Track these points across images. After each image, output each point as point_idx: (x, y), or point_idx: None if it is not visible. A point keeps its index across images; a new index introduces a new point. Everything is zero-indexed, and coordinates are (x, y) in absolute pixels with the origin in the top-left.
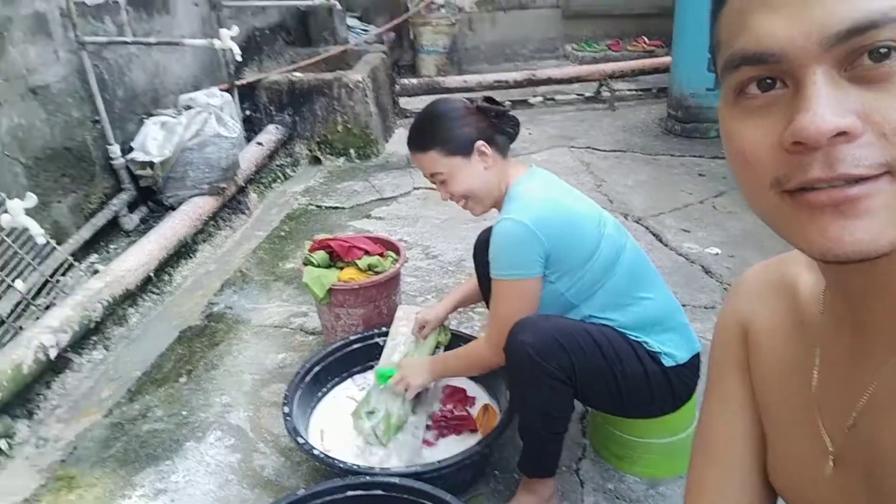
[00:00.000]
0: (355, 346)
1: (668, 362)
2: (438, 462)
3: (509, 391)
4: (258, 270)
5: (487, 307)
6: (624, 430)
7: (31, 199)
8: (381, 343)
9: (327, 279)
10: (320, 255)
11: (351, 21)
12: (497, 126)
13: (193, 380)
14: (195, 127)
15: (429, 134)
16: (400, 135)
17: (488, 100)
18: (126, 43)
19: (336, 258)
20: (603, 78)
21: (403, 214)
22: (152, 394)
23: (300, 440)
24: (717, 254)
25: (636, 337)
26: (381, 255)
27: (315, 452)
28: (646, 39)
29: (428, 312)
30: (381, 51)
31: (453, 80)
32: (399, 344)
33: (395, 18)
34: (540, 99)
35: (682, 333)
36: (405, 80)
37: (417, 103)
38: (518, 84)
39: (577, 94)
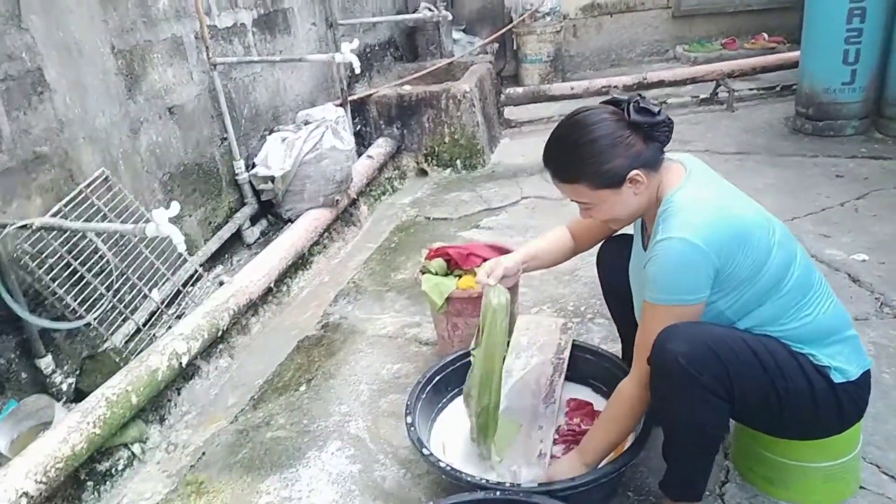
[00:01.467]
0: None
1: (837, 378)
2: (572, 479)
3: (654, 403)
4: (371, 281)
5: (618, 326)
6: (777, 452)
7: (175, 208)
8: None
9: (445, 287)
10: (438, 263)
11: (456, 34)
12: (651, 136)
13: (312, 388)
14: (313, 141)
15: (575, 165)
16: (505, 145)
17: (640, 109)
18: (253, 62)
19: (453, 266)
20: (720, 77)
21: (512, 224)
22: (274, 402)
23: (426, 451)
24: (864, 260)
25: (801, 349)
26: None
27: (442, 465)
28: (765, 36)
29: (501, 265)
30: (488, 61)
31: (559, 88)
32: (521, 352)
33: (498, 29)
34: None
35: (852, 347)
36: (510, 90)
37: (522, 113)
38: (628, 88)
39: (692, 97)
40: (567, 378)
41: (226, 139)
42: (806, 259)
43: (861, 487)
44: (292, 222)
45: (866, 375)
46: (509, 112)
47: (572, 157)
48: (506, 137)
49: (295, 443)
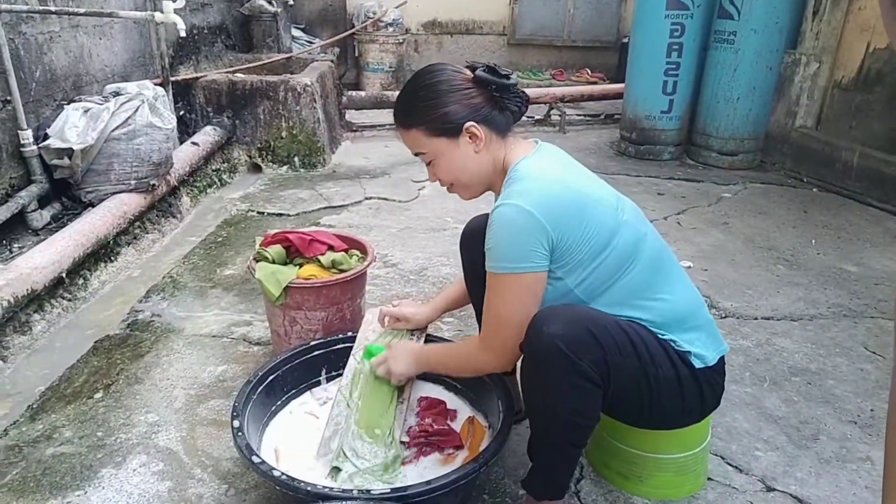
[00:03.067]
0: (316, 352)
1: (697, 364)
2: (428, 482)
3: (526, 393)
4: (192, 277)
5: (476, 309)
6: (632, 444)
7: None
8: (346, 351)
9: (284, 276)
10: (276, 250)
11: (296, 32)
12: (498, 101)
13: (112, 396)
14: (124, 114)
15: (413, 108)
16: (347, 147)
17: (488, 69)
18: (49, 13)
19: (294, 254)
20: (553, 101)
21: (356, 223)
22: (59, 412)
23: (256, 459)
24: (689, 267)
25: (663, 335)
26: (345, 251)
27: (276, 474)
28: (588, 71)
29: (408, 307)
30: (329, 60)
31: None
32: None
33: (339, 33)
34: None
35: (709, 332)
36: (353, 93)
37: (364, 118)
38: None
39: (527, 117)
40: (419, 377)
41: (9, 102)
42: (657, 240)
43: (709, 479)
44: (94, 206)
45: (722, 361)
46: (351, 116)
47: (412, 101)
48: (347, 140)
49: (85, 459)
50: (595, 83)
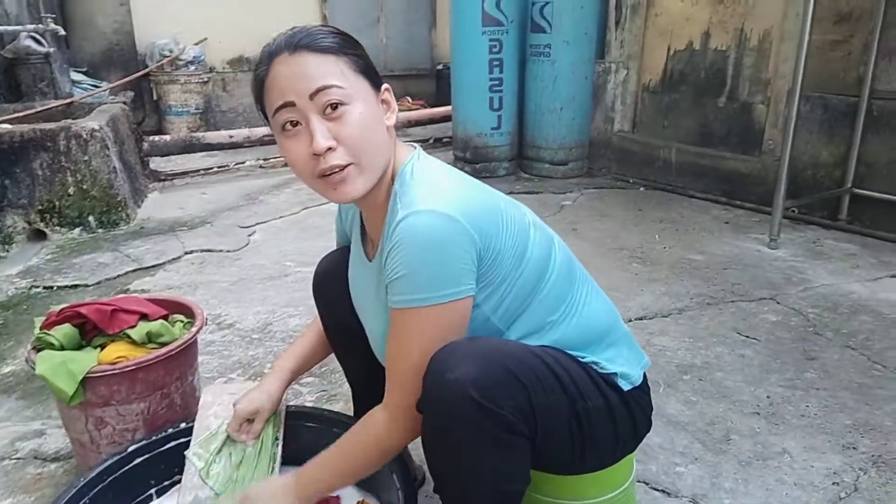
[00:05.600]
0: (138, 458)
1: (624, 386)
2: None
3: (431, 463)
4: None
5: (349, 371)
6: (555, 493)
7: None
8: (180, 451)
9: (79, 365)
10: (64, 332)
11: (76, 76)
12: None
13: None
14: None
15: (344, 37)
16: (155, 199)
17: None
18: None
19: (92, 333)
20: None
21: (176, 283)
22: None
23: None
24: None
25: (583, 358)
26: (165, 318)
27: None
28: (409, 99)
29: (251, 399)
30: (122, 101)
31: (216, 136)
32: (214, 438)
33: (130, 74)
34: None
35: (629, 345)
36: (156, 137)
37: (174, 165)
38: None
39: None
40: (287, 461)
41: None
42: (562, 243)
43: None
44: None
45: (645, 377)
46: (157, 165)
47: (337, 32)
48: (155, 192)
49: None
50: (416, 110)
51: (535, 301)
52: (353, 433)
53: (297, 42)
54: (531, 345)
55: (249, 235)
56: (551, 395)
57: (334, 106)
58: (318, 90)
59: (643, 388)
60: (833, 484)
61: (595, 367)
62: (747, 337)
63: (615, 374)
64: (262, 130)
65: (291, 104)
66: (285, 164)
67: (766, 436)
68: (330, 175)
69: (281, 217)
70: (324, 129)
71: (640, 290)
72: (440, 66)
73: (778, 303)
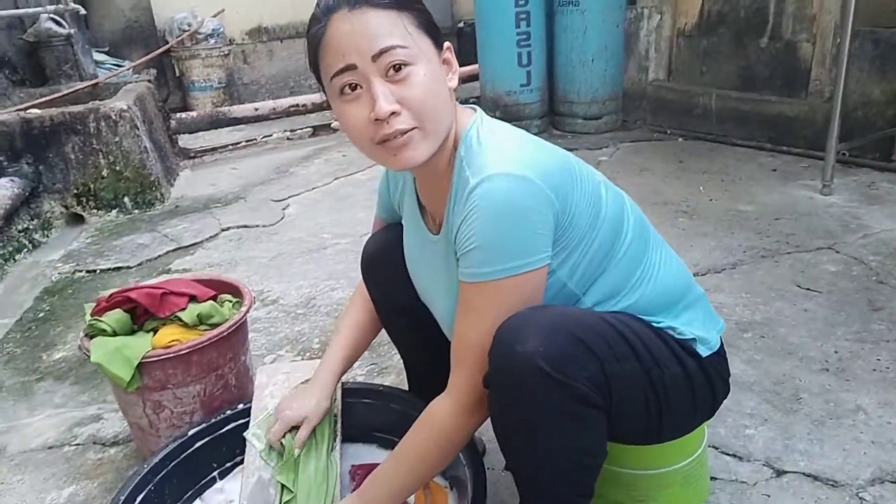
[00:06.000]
0: (199, 442)
1: (703, 351)
2: None
3: (502, 442)
4: (9, 371)
5: (406, 353)
6: (627, 463)
7: None
8: (239, 433)
9: (133, 350)
10: (115, 317)
11: (99, 56)
12: None
13: None
14: None
15: None
16: (187, 177)
17: None
18: None
19: (143, 317)
20: None
21: (216, 261)
22: None
23: None
24: None
25: (658, 323)
26: (213, 299)
27: None
28: None
29: (299, 405)
30: (147, 79)
31: (242, 110)
32: (272, 418)
33: (152, 52)
34: None
35: (704, 308)
36: (183, 114)
37: (202, 142)
38: (318, 107)
39: None
40: (345, 438)
41: None
42: (633, 202)
43: (712, 479)
44: None
45: (722, 340)
46: (185, 142)
47: None
48: (185, 169)
49: None
50: None
51: (611, 264)
52: (414, 434)
53: None
54: (603, 312)
55: (284, 209)
56: (625, 364)
57: (398, 67)
58: (382, 51)
59: (720, 353)
60: None
61: (672, 332)
62: (808, 289)
63: (693, 339)
64: (287, 101)
65: (353, 67)
66: (313, 135)
67: (838, 393)
68: (392, 140)
69: (314, 188)
70: (387, 93)
71: (690, 245)
72: (461, 24)
73: (837, 252)
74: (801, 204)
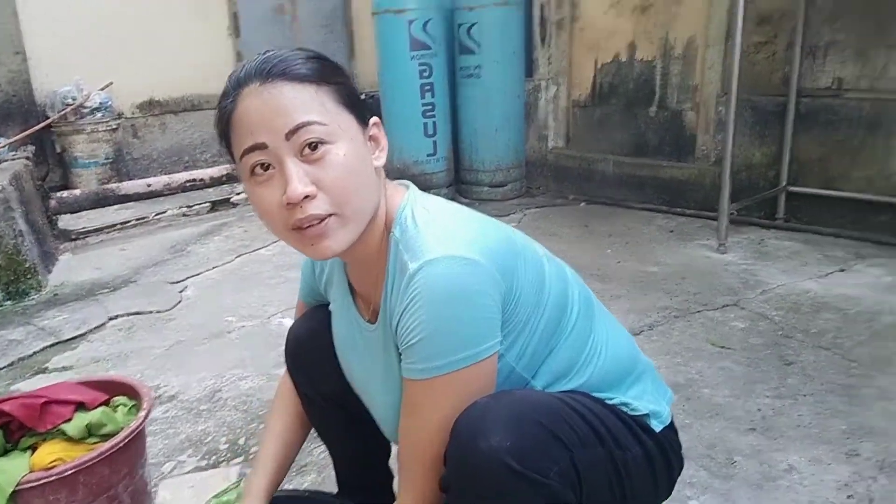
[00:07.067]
0: None
1: (657, 426)
2: None
3: None
4: None
5: (339, 453)
6: None
7: None
8: None
9: (7, 475)
10: None
11: None
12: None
13: None
14: None
15: (322, 63)
16: (68, 261)
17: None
18: None
19: (18, 433)
20: None
21: (104, 355)
22: None
23: None
24: None
25: (611, 399)
26: (105, 404)
27: None
28: None
29: None
30: (24, 157)
31: (133, 186)
32: None
33: (30, 127)
34: (244, 196)
35: (652, 379)
36: (64, 193)
37: (84, 223)
38: (216, 181)
39: None
40: None
41: None
42: (575, 273)
43: None
44: None
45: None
46: (66, 223)
47: (316, 57)
48: (66, 253)
49: None
50: None
51: (559, 342)
52: None
53: (270, 69)
54: (558, 393)
55: (181, 292)
56: (591, 451)
57: (314, 146)
58: (297, 128)
59: (672, 426)
60: (847, 497)
61: (625, 408)
62: (722, 347)
63: (647, 414)
64: (183, 176)
65: (263, 146)
66: (211, 210)
67: (769, 453)
68: (307, 228)
69: (214, 268)
70: (301, 174)
71: (606, 308)
72: (363, 96)
73: (742, 308)
74: (701, 263)
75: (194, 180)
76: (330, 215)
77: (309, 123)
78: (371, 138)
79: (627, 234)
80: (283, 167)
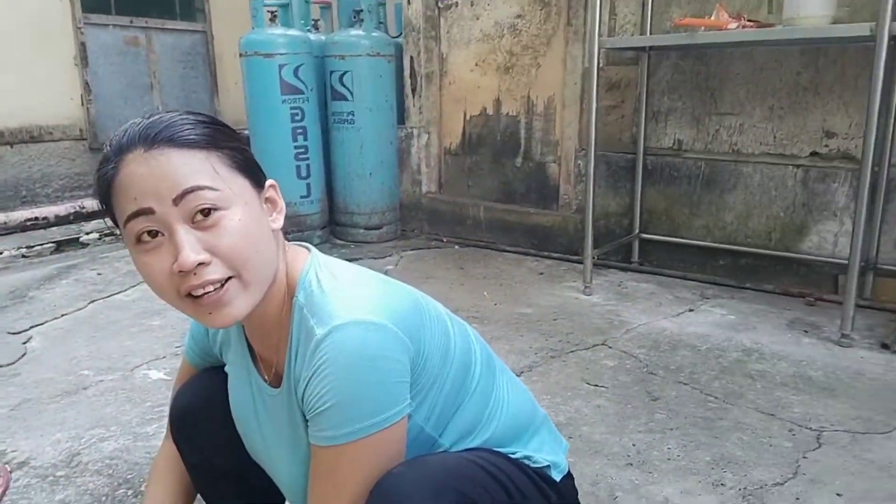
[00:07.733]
0: None
1: (557, 476)
2: None
3: None
4: None
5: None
6: None
7: None
8: None
9: None
10: None
11: None
12: None
13: None
14: None
15: (213, 128)
16: None
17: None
18: None
19: None
20: None
21: None
22: None
23: None
24: None
25: (514, 454)
26: None
27: None
28: None
29: None
30: None
31: None
32: None
33: None
34: (96, 236)
35: (549, 429)
36: None
37: None
38: (62, 220)
39: None
40: None
41: None
42: (473, 330)
43: None
44: None
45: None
46: None
47: (206, 122)
48: None
49: None
50: None
51: (464, 400)
52: None
53: (156, 135)
54: (465, 452)
55: (24, 343)
56: None
57: (206, 212)
58: (186, 192)
59: (570, 474)
60: None
61: (528, 462)
62: (596, 385)
63: (547, 465)
64: (22, 214)
65: (149, 211)
66: (56, 251)
67: (646, 486)
68: (202, 296)
69: (63, 315)
70: (192, 241)
71: None
72: None
73: (610, 347)
74: (571, 304)
75: (36, 218)
76: (229, 278)
77: (199, 188)
78: (268, 200)
79: (501, 276)
80: (172, 235)
